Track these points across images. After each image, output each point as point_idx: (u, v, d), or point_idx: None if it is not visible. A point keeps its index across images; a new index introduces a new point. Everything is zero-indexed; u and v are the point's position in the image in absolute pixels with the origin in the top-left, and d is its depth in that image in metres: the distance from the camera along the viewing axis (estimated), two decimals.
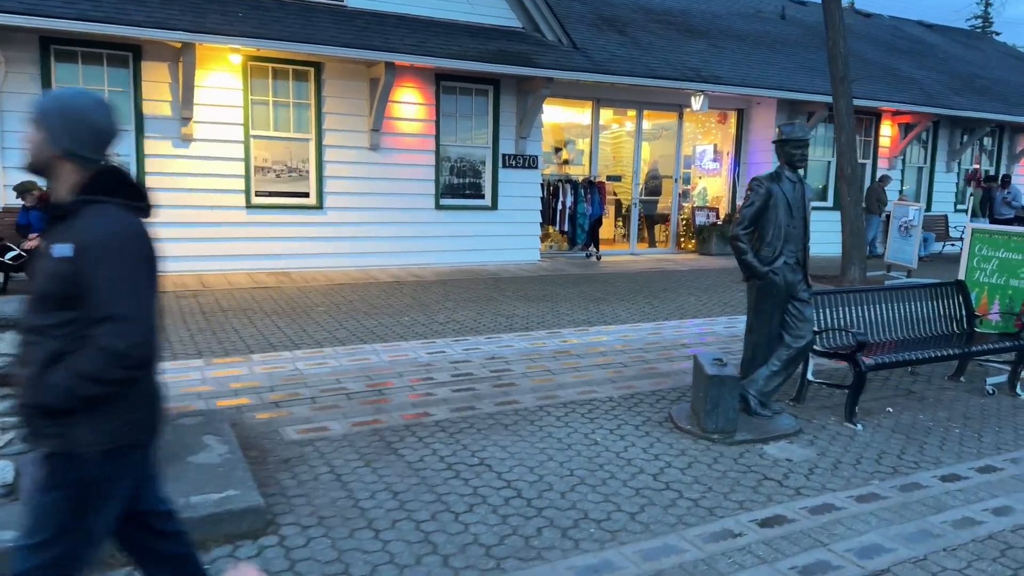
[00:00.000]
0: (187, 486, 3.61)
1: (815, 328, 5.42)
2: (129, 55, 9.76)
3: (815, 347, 5.51)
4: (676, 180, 14.91)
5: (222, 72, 10.26)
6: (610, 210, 15.41)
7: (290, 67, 10.72)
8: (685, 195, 15.38)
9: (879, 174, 15.61)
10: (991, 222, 15.01)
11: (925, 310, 6.33)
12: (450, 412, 5.21)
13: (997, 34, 46.62)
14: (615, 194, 15.36)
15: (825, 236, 14.31)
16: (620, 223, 15.49)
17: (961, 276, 6.71)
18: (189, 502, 3.46)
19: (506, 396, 5.61)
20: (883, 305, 6.15)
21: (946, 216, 16.46)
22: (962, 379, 6.46)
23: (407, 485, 4.03)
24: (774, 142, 5.18)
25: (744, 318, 5.51)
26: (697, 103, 13.20)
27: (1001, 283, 6.48)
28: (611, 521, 3.74)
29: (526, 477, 4.21)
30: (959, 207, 17.30)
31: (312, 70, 10.84)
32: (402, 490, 3.97)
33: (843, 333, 5.65)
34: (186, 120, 10.01)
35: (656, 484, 4.18)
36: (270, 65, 10.58)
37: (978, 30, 42.96)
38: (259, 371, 5.99)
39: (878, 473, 4.44)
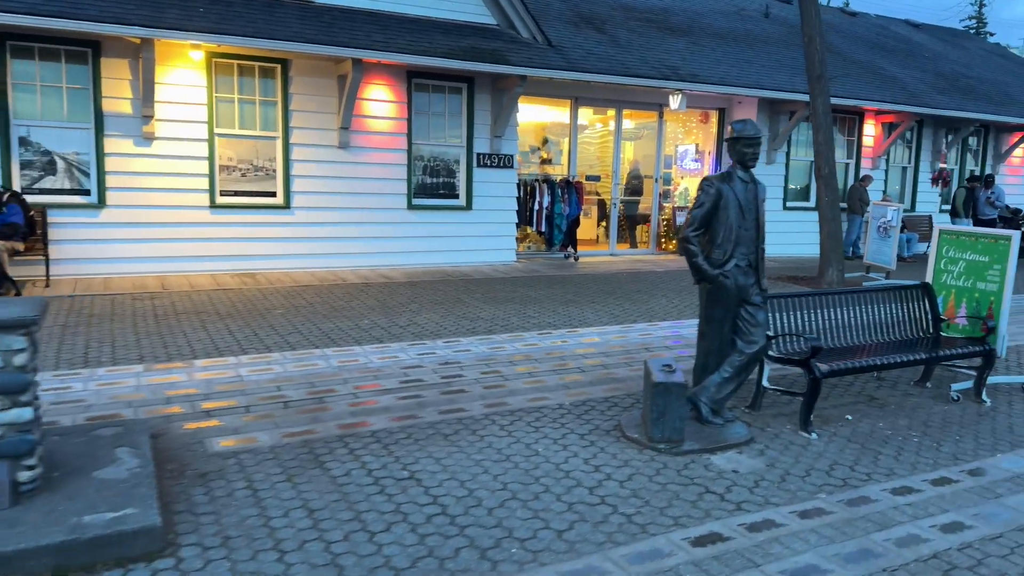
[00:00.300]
0: (82, 504, 3.39)
1: (769, 333, 5.23)
2: (88, 51, 9.53)
3: (770, 352, 5.32)
4: (656, 180, 14.71)
5: (184, 69, 10.03)
6: (593, 211, 15.21)
7: (256, 64, 10.49)
8: (666, 195, 15.18)
9: (862, 174, 15.43)
10: (975, 223, 14.85)
11: (891, 313, 6.15)
12: (389, 421, 5.00)
13: (991, 35, 46.62)
14: (598, 194, 15.14)
15: (805, 237, 14.15)
16: (604, 223, 15.29)
17: (928, 278, 6.53)
18: (81, 522, 3.25)
19: (452, 404, 5.40)
20: (847, 308, 5.96)
21: (930, 216, 16.32)
22: (928, 384, 6.27)
23: (326, 502, 3.82)
24: (726, 140, 4.98)
25: None
26: (675, 102, 13.01)
27: (968, 286, 6.29)
28: (536, 540, 3.53)
29: (455, 492, 4.00)
30: (944, 207, 17.12)
31: (279, 67, 10.61)
32: (319, 507, 3.76)
33: (799, 338, 5.46)
34: (147, 118, 9.78)
35: (591, 498, 3.97)
36: (235, 62, 10.35)
37: (972, 31, 42.89)
38: (198, 378, 5.77)
39: (827, 486, 4.24)
